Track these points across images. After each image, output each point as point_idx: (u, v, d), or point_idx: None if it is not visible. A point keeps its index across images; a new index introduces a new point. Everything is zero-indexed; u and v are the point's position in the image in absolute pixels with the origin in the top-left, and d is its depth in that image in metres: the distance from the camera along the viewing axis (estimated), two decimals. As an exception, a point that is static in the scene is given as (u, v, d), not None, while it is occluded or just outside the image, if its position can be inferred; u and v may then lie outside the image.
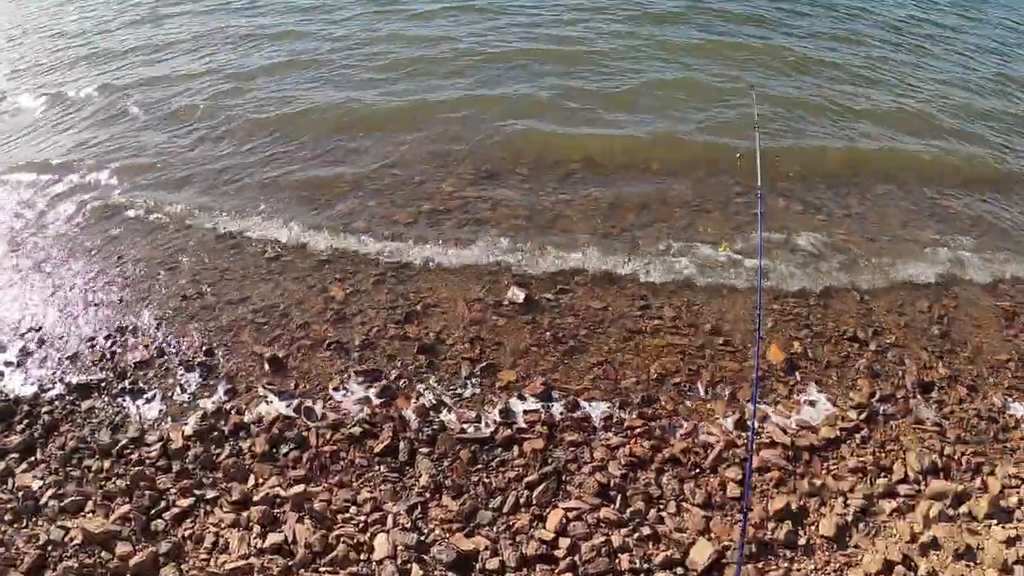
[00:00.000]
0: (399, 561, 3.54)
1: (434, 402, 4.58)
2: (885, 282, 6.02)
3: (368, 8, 12.67)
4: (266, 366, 4.89)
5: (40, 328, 5.38)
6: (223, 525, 3.78)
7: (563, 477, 4.05)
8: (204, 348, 5.08)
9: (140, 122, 8.85)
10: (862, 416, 4.66)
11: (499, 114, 8.41)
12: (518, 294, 5.35)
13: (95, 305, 5.61)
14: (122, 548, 3.59)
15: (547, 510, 3.83)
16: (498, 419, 4.44)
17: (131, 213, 6.83)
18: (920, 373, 5.10)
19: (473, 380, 4.74)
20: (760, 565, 3.64)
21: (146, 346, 5.17)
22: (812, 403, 4.78)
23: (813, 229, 6.57)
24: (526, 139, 7.83)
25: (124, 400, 4.72)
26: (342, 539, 3.65)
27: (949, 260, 6.31)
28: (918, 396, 4.92)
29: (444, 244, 6.03)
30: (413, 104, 8.74)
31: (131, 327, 5.36)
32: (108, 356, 5.12)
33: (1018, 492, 4.16)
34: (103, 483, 4.05)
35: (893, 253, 6.36)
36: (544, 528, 3.72)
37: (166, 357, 5.07)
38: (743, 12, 12.56)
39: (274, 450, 4.26)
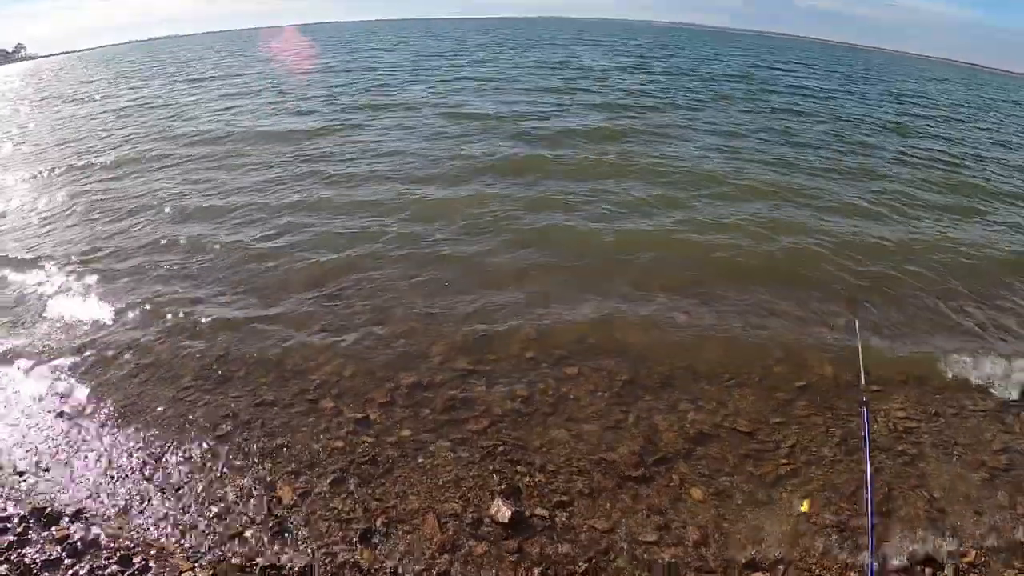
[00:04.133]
0: None
1: None
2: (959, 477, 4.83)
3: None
4: (186, 594, 3.86)
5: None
6: None
7: None
8: (120, 554, 4.04)
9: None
10: None
11: (502, 277, 7.65)
12: (504, 511, 4.23)
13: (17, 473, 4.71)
14: None
15: None
16: None
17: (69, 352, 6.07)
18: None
19: (437, 645, 3.58)
20: None
21: (59, 540, 4.18)
22: None
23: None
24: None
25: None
26: None
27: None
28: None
29: (422, 434, 5.01)
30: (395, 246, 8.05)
31: (49, 508, 4.37)
32: (16, 545, 4.11)
33: None
34: None
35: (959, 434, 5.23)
36: None
37: (78, 559, 4.03)
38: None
39: None
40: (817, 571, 4.00)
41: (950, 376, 5.97)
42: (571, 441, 4.95)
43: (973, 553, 4.15)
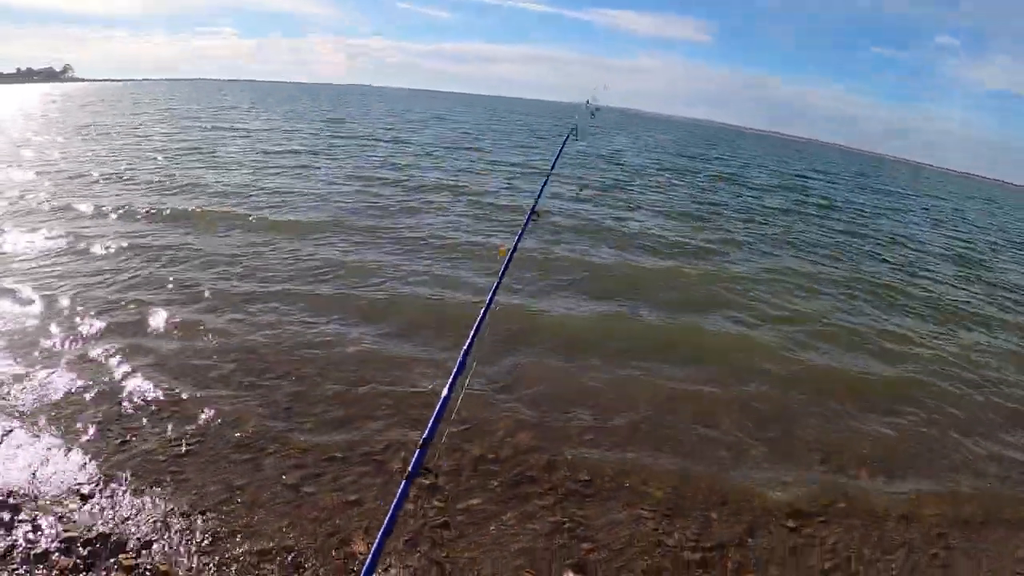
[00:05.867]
0: None
1: None
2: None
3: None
4: (266, 641, 3.98)
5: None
6: None
7: None
8: (196, 590, 4.19)
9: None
10: None
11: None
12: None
13: (80, 496, 4.84)
14: None
15: None
16: None
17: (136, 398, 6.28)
18: None
19: None
20: None
21: (127, 569, 4.29)
22: None
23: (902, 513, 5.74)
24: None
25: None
26: None
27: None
28: None
29: (491, 505, 5.22)
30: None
31: (116, 536, 4.49)
32: (82, 568, 4.18)
33: None
34: None
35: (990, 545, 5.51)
36: None
37: (150, 591, 4.16)
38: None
39: None
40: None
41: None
42: (631, 523, 5.17)
43: None
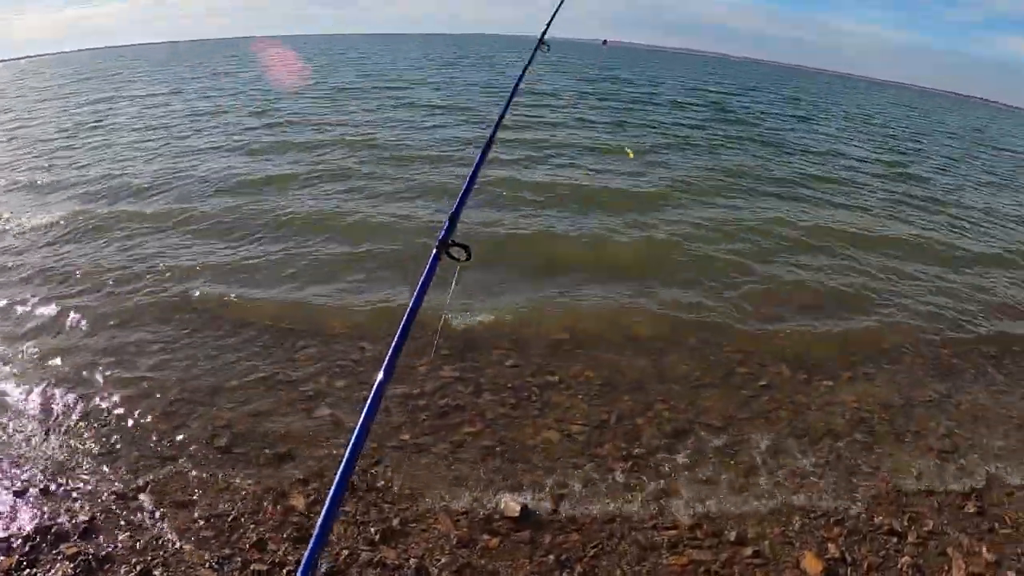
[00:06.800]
0: None
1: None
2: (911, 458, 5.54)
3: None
4: (211, 601, 3.99)
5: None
6: None
7: None
8: (140, 567, 4.13)
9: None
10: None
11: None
12: (512, 506, 4.59)
13: (14, 493, 4.64)
14: None
15: None
16: None
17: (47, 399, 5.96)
18: (966, 562, 4.45)
19: (467, 627, 3.88)
20: None
21: (70, 558, 4.22)
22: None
23: (824, 402, 6.13)
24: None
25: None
26: None
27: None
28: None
29: (421, 438, 5.30)
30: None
31: (55, 527, 4.36)
32: (24, 565, 4.06)
33: None
34: None
35: (910, 422, 5.99)
36: None
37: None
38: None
39: None
40: (796, 542, 4.55)
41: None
42: (563, 440, 5.34)
43: (931, 523, 4.79)
